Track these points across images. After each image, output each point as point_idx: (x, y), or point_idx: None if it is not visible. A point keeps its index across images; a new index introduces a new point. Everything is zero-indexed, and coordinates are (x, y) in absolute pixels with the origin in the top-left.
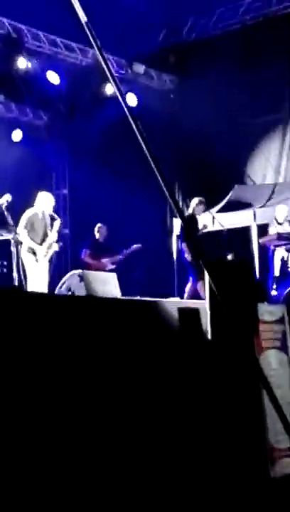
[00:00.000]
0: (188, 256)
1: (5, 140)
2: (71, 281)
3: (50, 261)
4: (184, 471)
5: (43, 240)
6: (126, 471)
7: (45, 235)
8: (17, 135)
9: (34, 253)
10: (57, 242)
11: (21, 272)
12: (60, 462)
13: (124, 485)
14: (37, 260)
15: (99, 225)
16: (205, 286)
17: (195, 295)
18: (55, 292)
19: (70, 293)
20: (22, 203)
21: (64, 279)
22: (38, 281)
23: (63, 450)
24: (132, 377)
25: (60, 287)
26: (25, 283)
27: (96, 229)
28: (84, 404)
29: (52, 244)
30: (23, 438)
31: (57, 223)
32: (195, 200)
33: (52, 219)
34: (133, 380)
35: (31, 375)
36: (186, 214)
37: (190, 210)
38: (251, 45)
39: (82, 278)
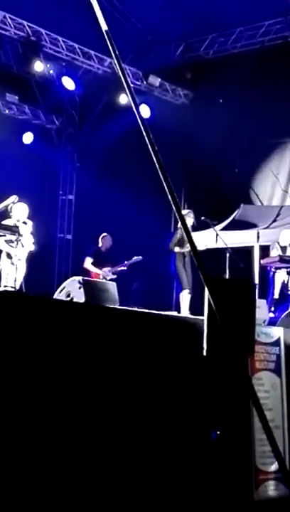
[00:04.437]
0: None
1: (16, 142)
2: (71, 287)
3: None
4: (167, 488)
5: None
6: (116, 481)
7: (21, 241)
8: (28, 137)
9: (10, 257)
10: (32, 243)
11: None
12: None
13: (114, 494)
14: (13, 263)
15: (103, 234)
16: (205, 302)
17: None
18: (54, 297)
19: (68, 298)
20: (28, 205)
21: (64, 285)
22: (9, 282)
23: (62, 456)
24: (124, 387)
25: (60, 292)
26: None
27: (100, 238)
28: (76, 407)
29: (28, 246)
30: (24, 440)
31: (29, 226)
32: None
33: (24, 223)
34: (125, 390)
35: (26, 377)
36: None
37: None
38: (267, 67)
39: (82, 284)
